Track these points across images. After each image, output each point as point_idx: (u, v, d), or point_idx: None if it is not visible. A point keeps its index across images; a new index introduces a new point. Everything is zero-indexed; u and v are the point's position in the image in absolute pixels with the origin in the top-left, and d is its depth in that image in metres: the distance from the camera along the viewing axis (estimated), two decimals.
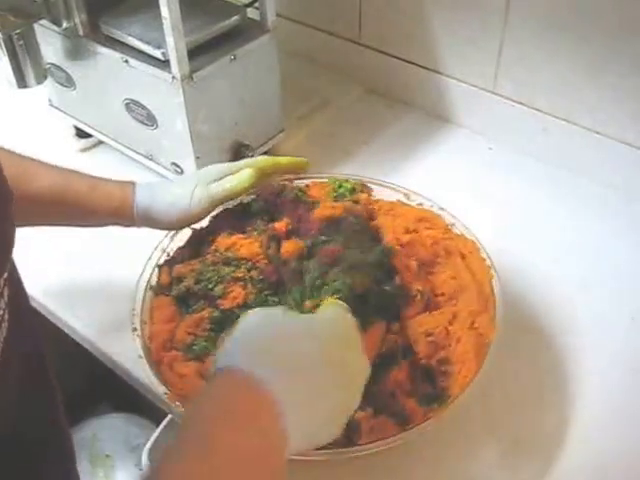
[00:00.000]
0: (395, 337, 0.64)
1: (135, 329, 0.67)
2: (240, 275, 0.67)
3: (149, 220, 0.72)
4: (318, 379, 0.47)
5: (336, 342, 0.50)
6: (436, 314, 0.67)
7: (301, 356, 0.47)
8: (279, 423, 0.43)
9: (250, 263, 0.68)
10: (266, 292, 0.66)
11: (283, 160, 0.77)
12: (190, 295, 0.68)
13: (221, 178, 0.72)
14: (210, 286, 0.67)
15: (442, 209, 0.77)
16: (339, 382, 0.48)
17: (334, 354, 0.49)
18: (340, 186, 0.78)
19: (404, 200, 0.79)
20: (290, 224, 0.70)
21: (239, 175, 0.72)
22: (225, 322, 0.65)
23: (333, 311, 0.53)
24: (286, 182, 0.78)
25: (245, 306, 0.65)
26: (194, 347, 0.65)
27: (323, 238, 0.68)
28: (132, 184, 0.72)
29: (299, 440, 0.45)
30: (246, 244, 0.70)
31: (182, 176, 0.77)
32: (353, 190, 0.78)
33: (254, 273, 0.67)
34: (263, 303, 0.66)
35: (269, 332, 0.49)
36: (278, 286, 0.67)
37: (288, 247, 0.68)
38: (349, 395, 0.50)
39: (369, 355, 0.61)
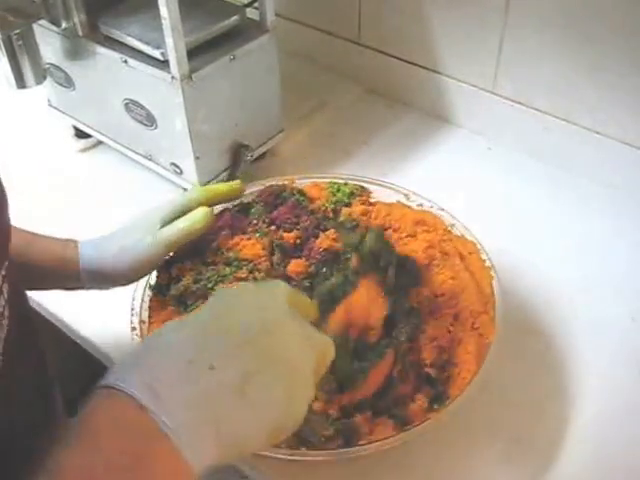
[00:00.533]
0: (402, 362, 0.64)
1: (134, 328, 0.67)
2: (243, 276, 0.67)
3: (97, 274, 0.67)
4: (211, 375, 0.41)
5: (219, 322, 0.45)
6: (438, 317, 0.67)
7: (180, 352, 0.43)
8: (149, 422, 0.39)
9: (252, 264, 0.68)
10: None
11: (221, 189, 0.72)
12: (188, 294, 0.67)
13: (173, 218, 0.67)
14: (209, 285, 0.67)
15: (442, 210, 0.76)
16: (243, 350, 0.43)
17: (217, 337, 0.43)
18: (338, 190, 0.78)
19: (404, 201, 0.79)
20: (299, 237, 0.70)
21: (193, 215, 0.67)
22: None
23: (217, 296, 0.48)
24: (286, 182, 0.78)
25: None
26: None
27: (324, 270, 0.67)
28: (75, 241, 0.68)
29: (231, 438, 0.41)
30: (249, 245, 0.70)
31: (130, 222, 0.69)
32: (351, 194, 0.78)
33: (258, 275, 0.67)
34: None
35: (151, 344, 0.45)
36: None
37: (295, 267, 0.67)
38: (273, 367, 0.43)
39: (377, 382, 0.62)
